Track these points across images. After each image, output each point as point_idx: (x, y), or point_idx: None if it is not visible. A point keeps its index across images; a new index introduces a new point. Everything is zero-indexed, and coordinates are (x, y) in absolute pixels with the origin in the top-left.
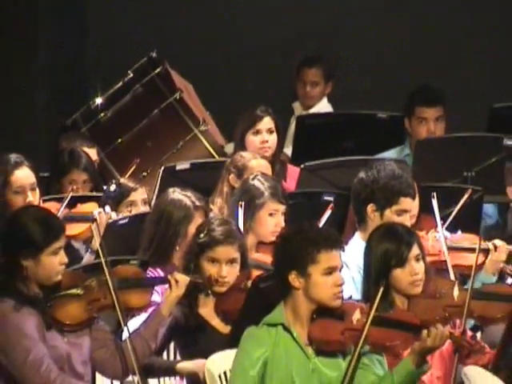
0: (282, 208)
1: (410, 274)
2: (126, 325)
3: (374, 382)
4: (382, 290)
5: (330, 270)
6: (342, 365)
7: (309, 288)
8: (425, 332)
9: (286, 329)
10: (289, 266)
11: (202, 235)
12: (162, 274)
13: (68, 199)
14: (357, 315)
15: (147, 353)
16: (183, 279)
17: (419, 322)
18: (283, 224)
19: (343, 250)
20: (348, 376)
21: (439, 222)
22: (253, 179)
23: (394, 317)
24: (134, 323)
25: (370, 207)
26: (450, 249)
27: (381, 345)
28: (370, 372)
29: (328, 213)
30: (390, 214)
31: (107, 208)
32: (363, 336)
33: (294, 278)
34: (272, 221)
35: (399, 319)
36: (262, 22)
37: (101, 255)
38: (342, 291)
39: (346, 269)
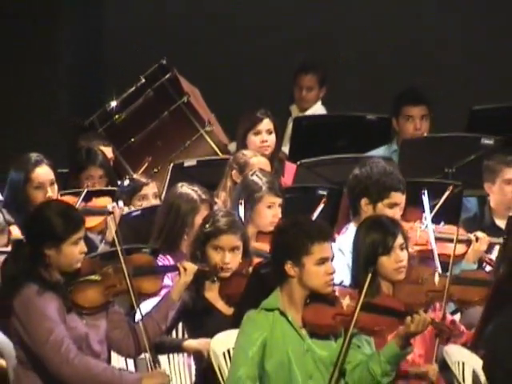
0: (279, 201)
1: (395, 262)
2: (138, 308)
3: (363, 360)
4: (370, 276)
5: (323, 261)
6: (333, 345)
7: (303, 276)
8: (409, 318)
9: (282, 313)
10: (285, 256)
11: (207, 225)
12: (171, 260)
13: (84, 194)
14: (346, 301)
15: (158, 333)
16: (191, 267)
17: (404, 308)
18: (280, 215)
19: (334, 241)
20: (340, 358)
21: (429, 216)
22: (252, 175)
23: (381, 303)
24: (146, 306)
25: (364, 201)
26: (437, 239)
27: (369, 329)
28: (359, 352)
29: (321, 206)
30: (381, 207)
31: (120, 202)
32: (353, 321)
33: (289, 268)
34: (270, 212)
35: (386, 305)
36: (261, 35)
37: (117, 244)
38: (333, 279)
39: (341, 256)
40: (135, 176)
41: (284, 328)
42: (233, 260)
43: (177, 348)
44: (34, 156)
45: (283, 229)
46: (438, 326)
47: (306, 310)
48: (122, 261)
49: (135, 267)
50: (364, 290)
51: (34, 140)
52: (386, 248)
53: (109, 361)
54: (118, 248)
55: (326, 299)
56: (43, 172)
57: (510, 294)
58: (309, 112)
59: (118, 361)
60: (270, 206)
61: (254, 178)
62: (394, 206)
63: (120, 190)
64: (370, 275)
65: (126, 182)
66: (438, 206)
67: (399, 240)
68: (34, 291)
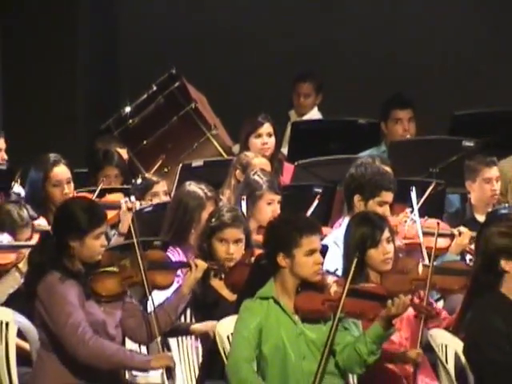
0: (278, 198)
1: (382, 254)
2: (151, 298)
3: (350, 341)
4: (355, 261)
5: (311, 252)
6: (323, 329)
7: (293, 267)
8: (389, 302)
9: (276, 301)
10: (277, 248)
11: (213, 220)
12: (181, 252)
13: (98, 190)
14: (334, 288)
15: (169, 323)
16: (202, 265)
17: (386, 293)
18: (279, 211)
19: (322, 234)
20: (329, 340)
21: (417, 212)
22: (253, 174)
23: (365, 289)
24: (157, 296)
25: (357, 197)
26: (423, 234)
27: (354, 313)
28: (347, 334)
29: (316, 202)
30: (372, 204)
31: (132, 198)
32: (340, 306)
33: (281, 259)
34: (269, 208)
35: (369, 291)
36: (262, 47)
37: (133, 236)
38: (321, 269)
39: (336, 247)
40: (147, 175)
41: (278, 314)
42: (236, 251)
43: (185, 331)
44: (52, 156)
45: (275, 224)
46: (416, 307)
47: (298, 298)
48: (138, 252)
49: (150, 262)
50: (349, 277)
51: (53, 142)
52: (374, 241)
53: (123, 344)
54: (135, 240)
55: (316, 287)
56: (61, 171)
57: (486, 284)
58: (306, 117)
59: (131, 344)
60: (269, 203)
61: (256, 177)
62: (384, 204)
63: (133, 187)
64: (355, 260)
65: (139, 181)
66: (421, 202)
67: (386, 234)
68: (56, 278)
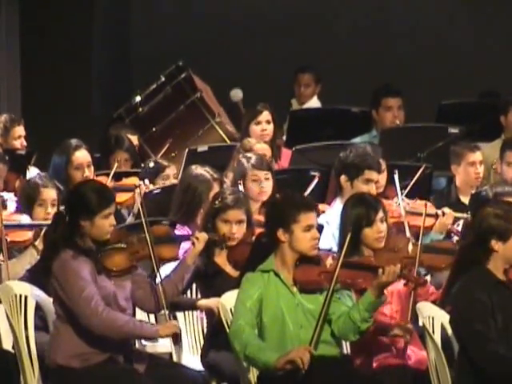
0: (263, 173)
1: (377, 232)
2: (158, 270)
3: (345, 311)
4: (349, 236)
5: (309, 228)
6: (320, 299)
7: (292, 241)
8: (380, 270)
9: (276, 274)
10: (277, 224)
11: (217, 202)
12: (189, 231)
13: (113, 173)
14: (329, 261)
15: (175, 293)
16: (203, 236)
17: (376, 264)
18: (267, 188)
19: (318, 212)
20: (325, 307)
21: (399, 193)
22: (242, 157)
23: (358, 261)
24: (165, 270)
25: (343, 178)
26: (409, 213)
27: (348, 282)
28: (342, 304)
29: (315, 181)
30: (358, 184)
31: (146, 181)
32: (335, 276)
33: (280, 234)
34: (255, 185)
35: (361, 262)
36: (265, 41)
37: (142, 215)
38: (317, 243)
39: (327, 226)
40: (159, 159)
41: (277, 286)
42: (238, 231)
43: (191, 306)
44: (74, 141)
45: (275, 202)
46: (405, 276)
47: (296, 270)
48: (146, 230)
49: (156, 237)
50: (343, 250)
51: (72, 129)
52: (369, 221)
53: (134, 315)
54: (143, 219)
55: (313, 260)
56: (82, 155)
57: (473, 259)
58: (306, 105)
59: (141, 315)
60: (254, 180)
61: (242, 159)
62: (368, 182)
63: (145, 170)
64: (348, 235)
65: (151, 164)
66: (410, 185)
67: (380, 214)
68: (69, 256)
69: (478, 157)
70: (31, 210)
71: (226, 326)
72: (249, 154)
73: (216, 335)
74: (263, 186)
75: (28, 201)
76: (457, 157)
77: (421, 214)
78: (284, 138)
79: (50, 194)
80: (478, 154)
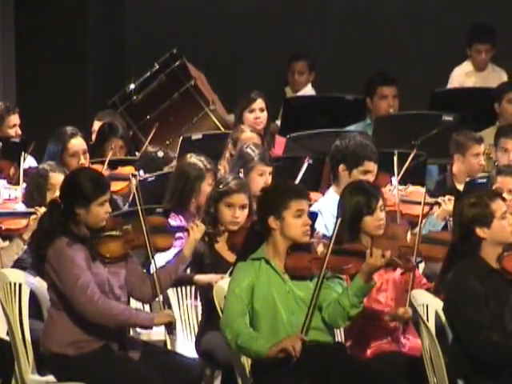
0: (269, 169)
1: (377, 220)
2: (153, 259)
3: (335, 297)
4: (338, 222)
5: (299, 213)
6: (310, 286)
7: (283, 228)
8: (368, 252)
9: (267, 261)
10: (268, 212)
11: (221, 186)
12: (182, 219)
13: (108, 160)
14: (320, 248)
15: (169, 283)
16: (201, 227)
17: (365, 249)
18: (270, 182)
19: (309, 199)
20: (315, 294)
21: (396, 182)
22: (246, 148)
23: (347, 247)
24: (160, 258)
25: (342, 167)
26: (406, 202)
27: (338, 268)
28: (333, 291)
29: (305, 165)
30: (356, 173)
31: (141, 171)
32: (325, 262)
33: (272, 221)
34: (261, 179)
35: (351, 249)
36: (261, 31)
37: (137, 204)
38: (309, 230)
39: (320, 216)
40: (166, 151)
41: (269, 274)
42: (241, 215)
43: (189, 281)
44: (69, 129)
45: (266, 190)
46: (393, 261)
47: (288, 258)
48: (142, 219)
49: (151, 226)
50: (333, 236)
51: (67, 116)
52: (370, 209)
53: (128, 303)
54: (139, 207)
55: (304, 247)
56: (77, 142)
57: (464, 253)
58: (300, 93)
59: (136, 303)
60: (261, 174)
61: (248, 150)
62: (366, 173)
63: (151, 160)
64: (338, 221)
65: (161, 154)
66: (403, 170)
67: (380, 202)
68: (64, 243)
69: (482, 148)
70: (43, 198)
71: (219, 312)
72: (252, 146)
73: (210, 322)
74: (266, 181)
75: (38, 188)
76: (461, 147)
77: (417, 203)
78: (278, 123)
79: (58, 178)
80: (482, 146)
